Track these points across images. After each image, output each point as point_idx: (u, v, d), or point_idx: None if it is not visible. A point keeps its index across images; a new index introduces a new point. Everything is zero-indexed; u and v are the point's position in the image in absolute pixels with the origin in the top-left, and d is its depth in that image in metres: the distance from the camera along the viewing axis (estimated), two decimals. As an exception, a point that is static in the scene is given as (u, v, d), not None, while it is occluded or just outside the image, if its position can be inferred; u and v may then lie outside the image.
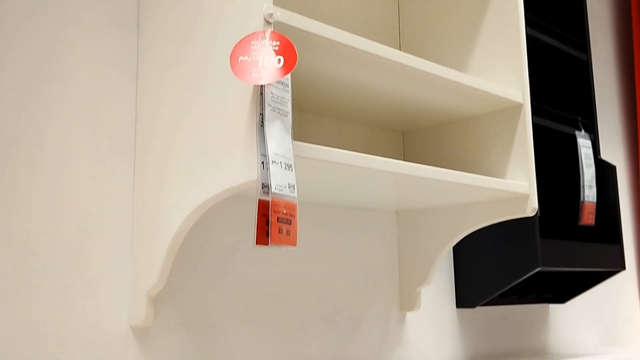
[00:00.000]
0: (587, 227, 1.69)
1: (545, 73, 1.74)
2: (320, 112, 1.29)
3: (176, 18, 0.98)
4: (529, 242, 1.47)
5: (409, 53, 1.41)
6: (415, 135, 1.44)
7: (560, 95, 1.80)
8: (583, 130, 1.72)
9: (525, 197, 1.21)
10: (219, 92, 0.87)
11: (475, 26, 1.32)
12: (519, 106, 1.25)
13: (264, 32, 0.82)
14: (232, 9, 0.88)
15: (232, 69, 0.80)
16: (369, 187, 1.11)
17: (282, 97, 0.83)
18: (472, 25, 1.33)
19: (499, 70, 1.27)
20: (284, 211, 0.78)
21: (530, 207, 1.21)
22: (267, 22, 0.84)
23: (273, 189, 0.77)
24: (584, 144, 1.69)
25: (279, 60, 0.79)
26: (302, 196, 1.17)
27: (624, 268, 1.76)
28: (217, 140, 0.87)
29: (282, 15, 0.86)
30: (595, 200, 1.65)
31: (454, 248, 1.60)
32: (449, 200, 1.27)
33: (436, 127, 1.40)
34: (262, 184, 0.78)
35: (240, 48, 0.81)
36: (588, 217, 1.64)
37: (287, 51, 0.80)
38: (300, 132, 1.26)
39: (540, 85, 1.72)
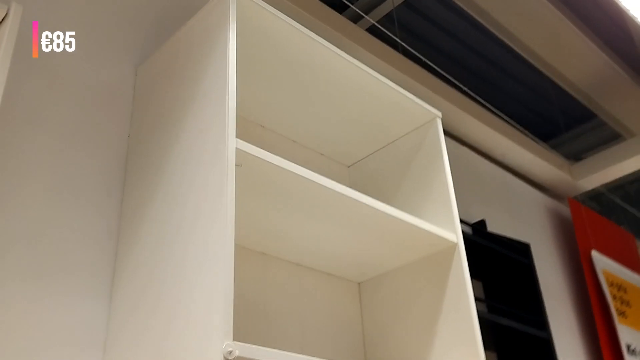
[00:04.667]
0: None
1: (511, 357, 1.75)
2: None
3: (143, 327, 1.01)
4: None
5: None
6: None
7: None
8: (555, 413, 1.69)
9: None
10: None
11: (434, 320, 1.35)
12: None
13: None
14: (191, 350, 0.91)
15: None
16: None
17: None
18: (431, 321, 1.36)
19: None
20: None
21: None
22: (226, 360, 0.86)
23: None
24: None
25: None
26: None
27: None
28: None
29: (242, 350, 0.88)
30: None
31: None
32: None
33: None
34: None
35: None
36: None
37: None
38: None
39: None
